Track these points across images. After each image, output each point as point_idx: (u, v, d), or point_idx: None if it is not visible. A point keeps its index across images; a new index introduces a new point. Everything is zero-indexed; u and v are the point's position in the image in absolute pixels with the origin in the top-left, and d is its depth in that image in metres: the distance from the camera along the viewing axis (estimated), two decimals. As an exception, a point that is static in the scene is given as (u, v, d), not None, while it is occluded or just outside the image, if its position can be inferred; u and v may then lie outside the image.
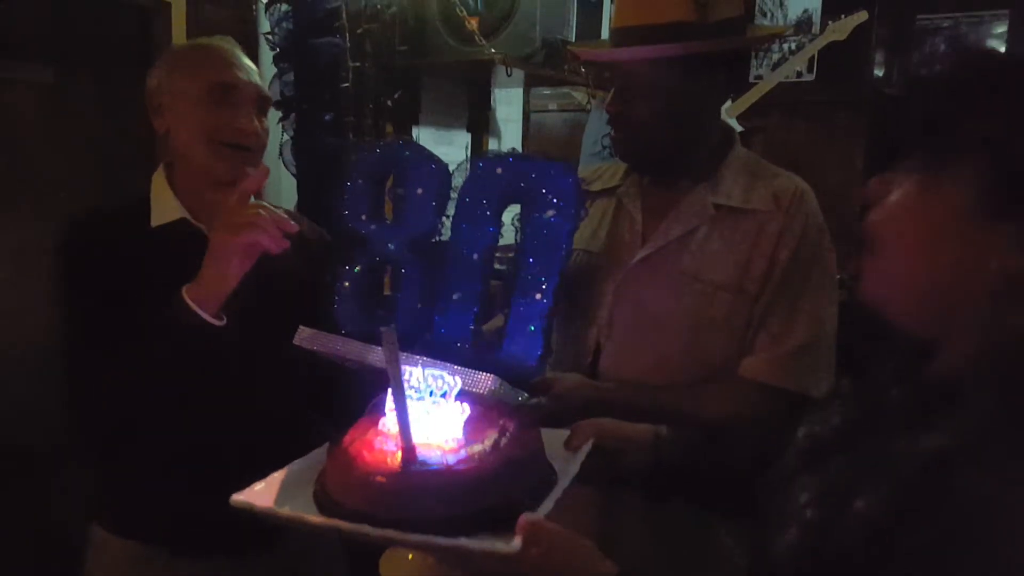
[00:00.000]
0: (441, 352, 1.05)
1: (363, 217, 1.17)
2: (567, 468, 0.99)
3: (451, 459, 0.89)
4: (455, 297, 1.11)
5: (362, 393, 1.29)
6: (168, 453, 1.34)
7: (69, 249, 1.37)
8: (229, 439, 1.34)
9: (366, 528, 0.84)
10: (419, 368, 0.97)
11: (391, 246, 1.15)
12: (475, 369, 0.99)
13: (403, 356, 1.03)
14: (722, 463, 1.11)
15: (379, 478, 0.87)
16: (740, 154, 1.44)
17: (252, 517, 0.91)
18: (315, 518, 0.89)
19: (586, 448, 1.06)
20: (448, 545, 0.82)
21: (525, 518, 0.82)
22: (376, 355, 1.04)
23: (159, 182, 1.42)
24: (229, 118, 1.35)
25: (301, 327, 1.11)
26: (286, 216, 1.20)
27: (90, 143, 2.56)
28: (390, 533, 0.83)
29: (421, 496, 0.86)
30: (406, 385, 0.92)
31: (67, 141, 2.52)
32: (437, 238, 1.16)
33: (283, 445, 1.39)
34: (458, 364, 1.00)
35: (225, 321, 1.23)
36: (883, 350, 0.91)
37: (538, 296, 1.05)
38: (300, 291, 1.42)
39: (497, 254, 1.16)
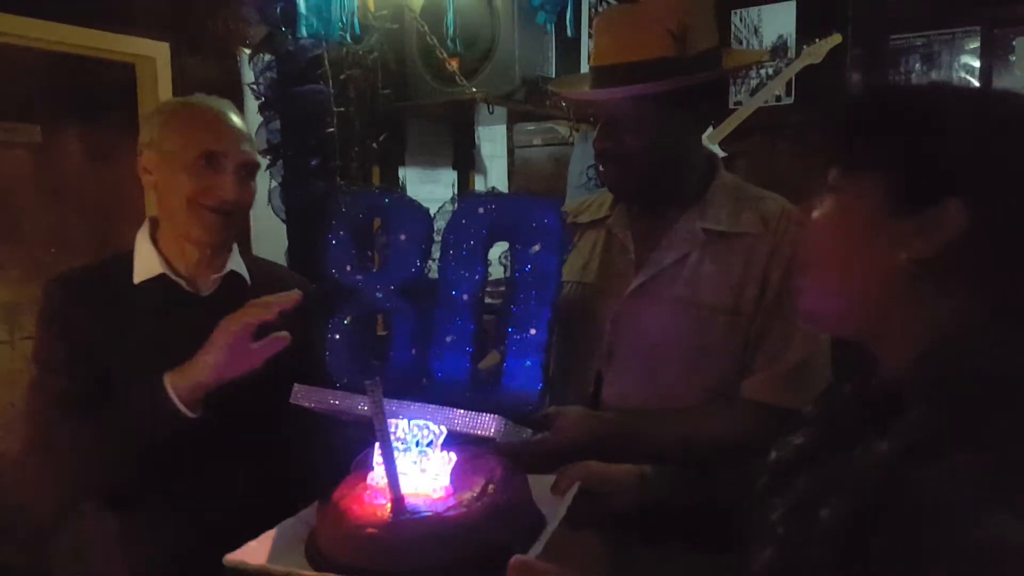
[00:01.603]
0: (440, 395, 1.05)
1: (349, 268, 1.18)
2: (555, 512, 0.99)
3: (440, 507, 0.90)
4: (448, 340, 1.11)
5: (345, 446, 1.32)
6: (150, 498, 1.33)
7: (51, 306, 1.38)
8: (209, 488, 1.35)
9: None
10: (404, 420, 0.98)
11: (379, 295, 1.16)
12: (476, 409, 1.00)
13: (402, 404, 1.05)
14: (709, 498, 1.11)
15: (369, 530, 0.87)
16: (725, 179, 1.46)
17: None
18: (308, 573, 0.88)
19: (572, 491, 1.06)
20: None
21: (516, 559, 0.82)
22: (361, 406, 1.05)
23: (142, 238, 1.44)
24: (214, 184, 1.37)
25: (296, 385, 1.12)
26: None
27: (80, 198, 2.58)
28: None
29: (411, 545, 0.86)
30: (392, 437, 0.93)
31: (57, 198, 2.54)
32: (425, 280, 1.17)
33: (268, 501, 1.42)
34: (458, 406, 1.01)
35: (200, 414, 1.25)
36: (841, 371, 0.97)
37: (532, 331, 1.06)
38: (286, 349, 1.43)
39: (488, 289, 1.17)
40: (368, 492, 0.95)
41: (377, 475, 0.95)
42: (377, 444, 0.94)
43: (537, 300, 1.08)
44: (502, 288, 1.16)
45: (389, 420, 0.94)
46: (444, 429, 0.98)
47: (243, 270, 1.48)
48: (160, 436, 1.25)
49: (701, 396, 1.37)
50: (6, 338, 2.45)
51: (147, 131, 1.43)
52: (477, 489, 0.93)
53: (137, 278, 1.41)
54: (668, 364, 1.37)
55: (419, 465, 0.94)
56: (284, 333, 1.22)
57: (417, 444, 0.95)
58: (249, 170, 1.43)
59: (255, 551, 0.93)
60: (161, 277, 1.41)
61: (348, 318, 1.16)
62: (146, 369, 1.33)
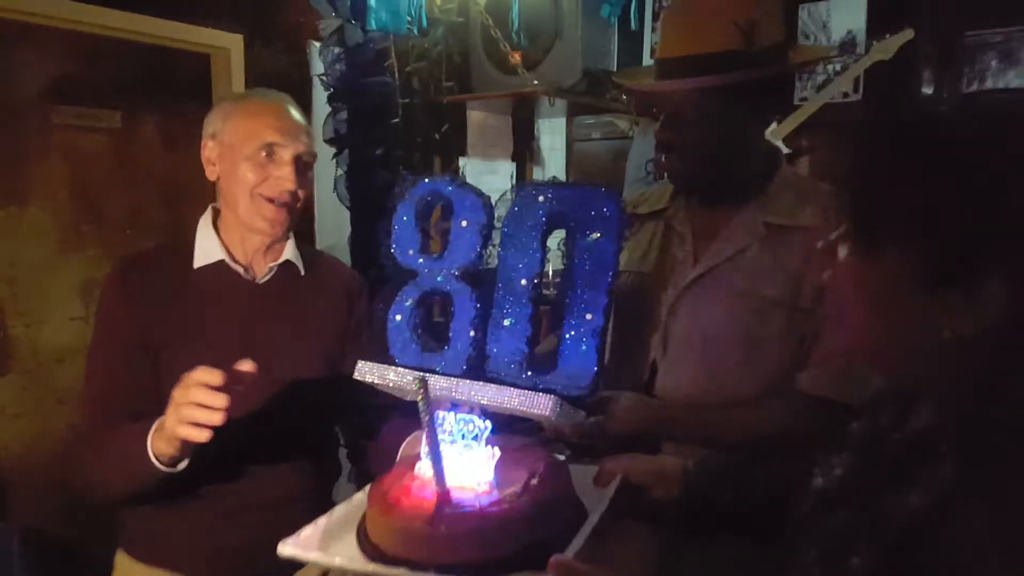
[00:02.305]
0: (497, 377, 1.07)
1: (411, 252, 1.20)
2: (597, 505, 1.00)
3: (484, 501, 0.91)
4: (507, 323, 1.12)
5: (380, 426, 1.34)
6: (190, 484, 1.35)
7: (113, 287, 1.45)
8: (249, 471, 1.41)
9: (403, 572, 0.87)
10: (452, 413, 1.01)
11: (439, 278, 1.17)
12: (532, 390, 1.01)
13: (460, 381, 1.07)
14: (751, 492, 1.11)
15: (416, 523, 0.89)
16: (787, 173, 1.45)
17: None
18: (360, 563, 0.91)
19: (614, 484, 1.07)
20: None
21: (555, 559, 0.83)
22: (429, 385, 1.06)
23: (204, 224, 1.51)
24: (273, 175, 1.43)
25: (360, 362, 1.14)
26: (219, 395, 1.14)
27: (155, 183, 2.69)
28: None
29: (456, 539, 0.88)
30: (439, 430, 0.95)
31: (134, 182, 2.66)
32: (483, 267, 1.18)
33: (301, 476, 1.48)
34: (514, 387, 1.03)
35: (186, 465, 1.25)
36: (882, 396, 0.93)
37: (588, 316, 1.06)
38: (328, 333, 1.51)
39: (545, 280, 1.19)
40: (416, 483, 0.97)
41: (424, 466, 0.98)
42: (424, 437, 0.96)
43: (594, 286, 1.09)
44: (558, 280, 1.17)
45: (437, 413, 0.96)
46: (489, 424, 0.99)
47: (298, 260, 1.54)
48: (154, 480, 1.26)
49: (756, 389, 1.36)
50: (82, 314, 2.57)
51: (210, 123, 1.49)
52: (520, 484, 0.94)
53: (197, 263, 1.47)
54: (724, 356, 1.37)
55: (464, 459, 0.96)
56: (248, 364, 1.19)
57: (463, 437, 0.97)
58: (307, 162, 1.48)
59: (308, 539, 0.96)
60: (220, 263, 1.47)
61: (410, 300, 1.18)
62: (197, 351, 1.37)
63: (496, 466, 0.98)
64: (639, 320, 1.45)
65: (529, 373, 1.07)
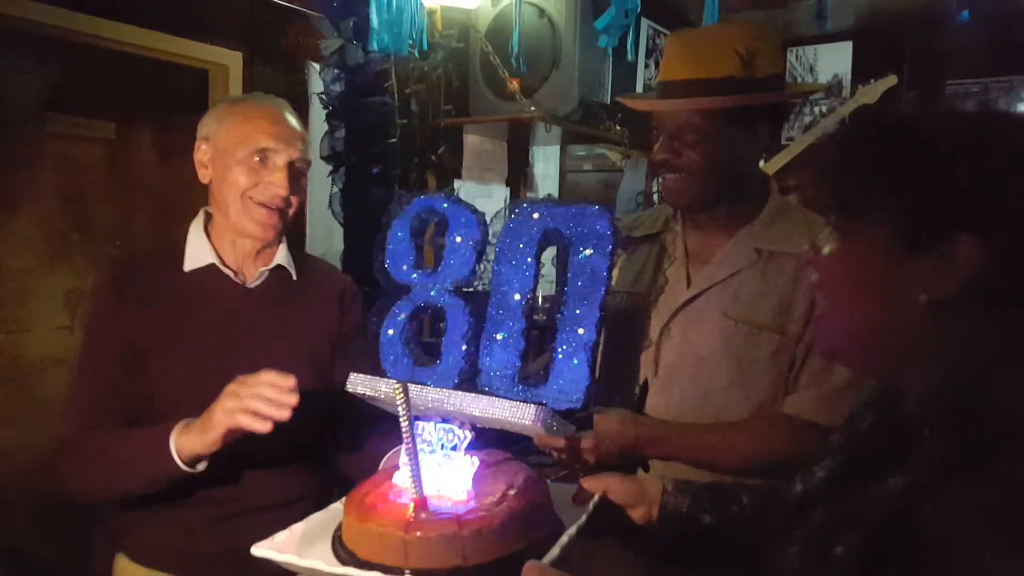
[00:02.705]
0: (489, 390, 1.08)
1: (405, 267, 1.21)
2: (575, 521, 1.01)
3: (461, 509, 0.92)
4: (499, 337, 1.13)
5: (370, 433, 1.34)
6: (186, 488, 1.35)
7: (101, 290, 1.45)
8: (245, 475, 1.40)
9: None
10: (431, 423, 1.01)
11: (433, 292, 1.19)
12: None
13: (450, 392, 1.08)
14: (731, 513, 1.11)
15: (391, 528, 0.90)
16: (778, 201, 1.49)
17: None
18: (329, 570, 0.91)
19: (593, 502, 1.08)
20: None
21: (530, 564, 0.84)
22: (417, 396, 1.08)
23: (195, 228, 1.50)
24: (265, 180, 1.42)
25: (352, 374, 1.15)
26: (291, 393, 1.20)
27: (148, 195, 2.69)
28: None
29: (431, 545, 0.88)
30: (419, 439, 0.96)
31: (126, 193, 2.65)
32: (478, 285, 1.20)
33: (296, 480, 1.46)
34: (507, 399, 1.04)
35: (205, 467, 1.28)
36: (863, 404, 0.95)
37: (580, 331, 1.07)
38: (319, 338, 1.51)
39: (535, 304, 1.20)
40: (393, 490, 0.98)
41: (402, 475, 0.98)
42: (403, 444, 0.96)
43: (586, 302, 1.10)
44: (547, 306, 1.18)
45: (416, 422, 0.96)
46: (469, 434, 1.00)
47: (290, 264, 1.53)
48: (164, 482, 1.29)
49: (746, 411, 1.39)
50: (67, 323, 2.55)
51: (204, 125, 1.49)
52: (498, 494, 0.95)
53: (187, 266, 1.46)
54: (714, 378, 1.40)
55: (443, 468, 0.97)
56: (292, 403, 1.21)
57: (442, 447, 0.98)
58: (300, 168, 1.48)
59: (283, 543, 0.97)
60: (210, 267, 1.46)
61: (403, 314, 1.19)
62: (185, 354, 1.40)
63: (475, 477, 0.99)
64: (632, 340, 1.47)
65: (520, 387, 1.08)
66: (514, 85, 2.61)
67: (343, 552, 0.95)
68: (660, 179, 1.47)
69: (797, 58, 3.81)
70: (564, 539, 0.94)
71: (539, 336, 1.21)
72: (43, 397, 2.43)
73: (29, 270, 2.44)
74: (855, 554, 0.72)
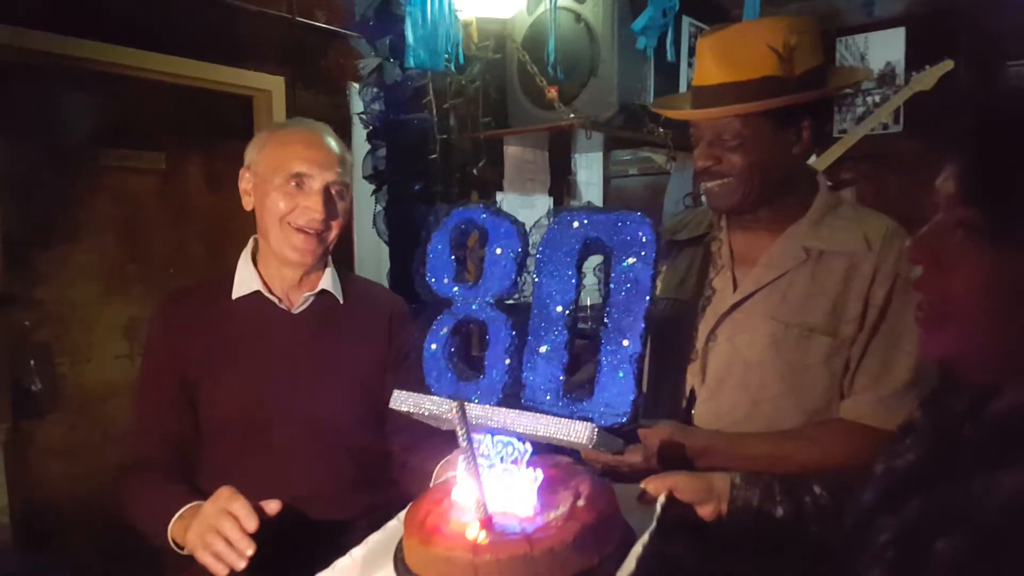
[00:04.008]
0: (533, 405, 1.06)
1: (446, 280, 1.19)
2: (644, 524, 0.98)
3: (529, 527, 0.89)
4: (542, 351, 1.11)
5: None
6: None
7: (159, 317, 1.50)
8: (310, 503, 1.39)
9: None
10: (489, 436, 0.99)
11: (474, 306, 1.17)
12: (568, 418, 1.00)
13: (495, 410, 1.06)
14: (801, 506, 1.08)
15: (458, 551, 0.87)
16: (828, 197, 1.43)
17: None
18: None
19: (660, 502, 1.05)
20: None
21: None
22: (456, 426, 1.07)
23: (244, 256, 1.53)
24: (302, 205, 1.44)
25: (396, 391, 1.14)
26: (247, 541, 1.16)
27: (199, 222, 2.75)
28: None
29: (503, 568, 0.86)
30: (478, 454, 0.93)
31: (178, 221, 2.71)
32: (519, 297, 1.18)
33: (357, 504, 1.45)
34: (551, 415, 1.02)
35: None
36: (954, 382, 0.90)
37: (625, 343, 1.04)
38: (368, 362, 1.50)
39: (581, 314, 1.18)
40: (454, 508, 0.95)
41: (462, 490, 0.96)
42: (462, 462, 0.94)
43: (631, 312, 1.06)
44: (592, 313, 1.16)
45: (475, 437, 0.94)
46: (529, 446, 0.98)
47: (337, 289, 1.54)
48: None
49: (798, 419, 1.34)
50: (126, 352, 2.61)
51: (248, 154, 1.52)
52: (565, 507, 0.92)
53: (235, 294, 1.49)
54: (764, 385, 1.35)
55: (505, 483, 0.94)
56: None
57: (502, 460, 0.95)
58: (338, 191, 1.49)
59: (345, 570, 0.95)
60: (255, 294, 1.49)
61: (445, 329, 1.17)
62: (232, 381, 1.43)
63: (539, 489, 0.96)
64: (678, 348, 1.43)
65: (566, 401, 1.06)
66: (552, 93, 2.59)
67: (408, 574, 0.93)
68: (703, 185, 1.43)
69: (847, 47, 3.71)
70: (638, 549, 0.91)
71: (588, 345, 1.17)
72: (107, 424, 2.49)
73: (89, 301, 2.52)
74: (960, 550, 0.68)
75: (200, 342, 1.45)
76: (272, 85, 2.72)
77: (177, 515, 1.28)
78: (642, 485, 1.10)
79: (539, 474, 0.96)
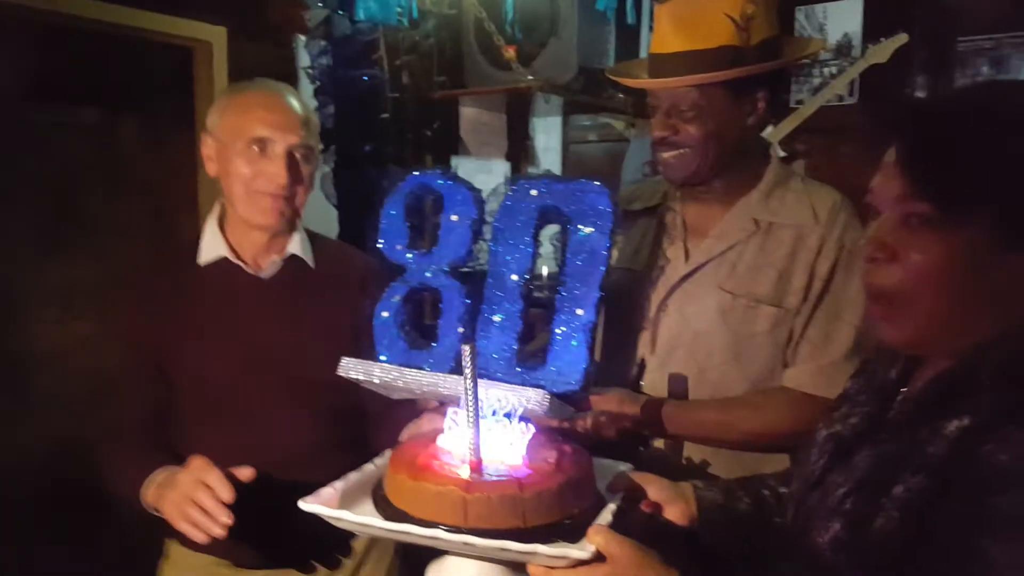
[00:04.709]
0: (486, 373, 1.05)
1: (399, 247, 1.18)
2: (614, 497, 1.01)
3: (520, 472, 0.92)
4: (496, 320, 1.10)
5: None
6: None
7: (126, 291, 1.51)
8: (288, 465, 1.38)
9: (440, 533, 0.86)
10: (488, 389, 1.00)
11: (428, 274, 1.16)
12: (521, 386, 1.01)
13: (446, 377, 1.06)
14: (762, 497, 1.11)
15: (450, 486, 0.89)
16: (778, 170, 1.46)
17: (311, 533, 0.94)
18: (388, 524, 0.91)
19: (628, 482, 1.07)
20: (524, 551, 0.85)
21: (597, 527, 0.88)
22: (412, 380, 1.07)
23: (211, 221, 1.52)
24: (266, 169, 1.42)
25: (344, 358, 1.14)
26: (224, 511, 1.19)
27: (135, 181, 2.62)
28: (467, 538, 0.86)
29: (492, 505, 0.88)
30: (466, 399, 0.93)
31: (113, 180, 2.58)
32: (474, 265, 1.17)
33: (335, 468, 1.44)
34: (504, 383, 1.02)
35: None
36: (885, 352, 0.97)
37: (579, 312, 1.05)
38: (341, 327, 1.48)
39: (537, 283, 1.16)
40: (441, 452, 0.97)
41: (450, 439, 0.97)
42: (459, 407, 0.96)
43: (586, 281, 1.07)
44: (550, 283, 1.15)
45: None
46: (536, 397, 0.99)
47: (307, 253, 1.53)
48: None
49: (743, 387, 1.38)
50: (57, 318, 2.49)
51: (209, 119, 1.50)
52: (552, 460, 0.95)
53: (201, 260, 1.48)
54: (711, 354, 1.39)
55: (497, 433, 0.96)
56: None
57: (494, 413, 0.97)
58: (303, 155, 1.46)
59: (328, 498, 0.96)
60: (223, 260, 1.48)
61: (397, 296, 1.15)
62: (201, 348, 1.44)
63: (528, 444, 0.98)
64: (629, 317, 1.45)
65: (519, 369, 1.07)
66: (510, 53, 2.52)
67: (390, 510, 0.93)
68: (658, 155, 1.43)
69: (806, 17, 3.69)
70: (612, 506, 0.96)
71: (542, 315, 1.17)
72: (41, 392, 2.37)
73: (21, 263, 2.38)
74: (916, 492, 0.75)
75: (168, 309, 1.46)
76: (213, 36, 2.57)
77: (149, 479, 1.30)
78: (615, 476, 1.09)
79: (531, 428, 0.97)
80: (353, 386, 1.47)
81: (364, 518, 0.92)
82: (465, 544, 0.86)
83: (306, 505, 0.94)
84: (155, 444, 1.42)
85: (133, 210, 2.62)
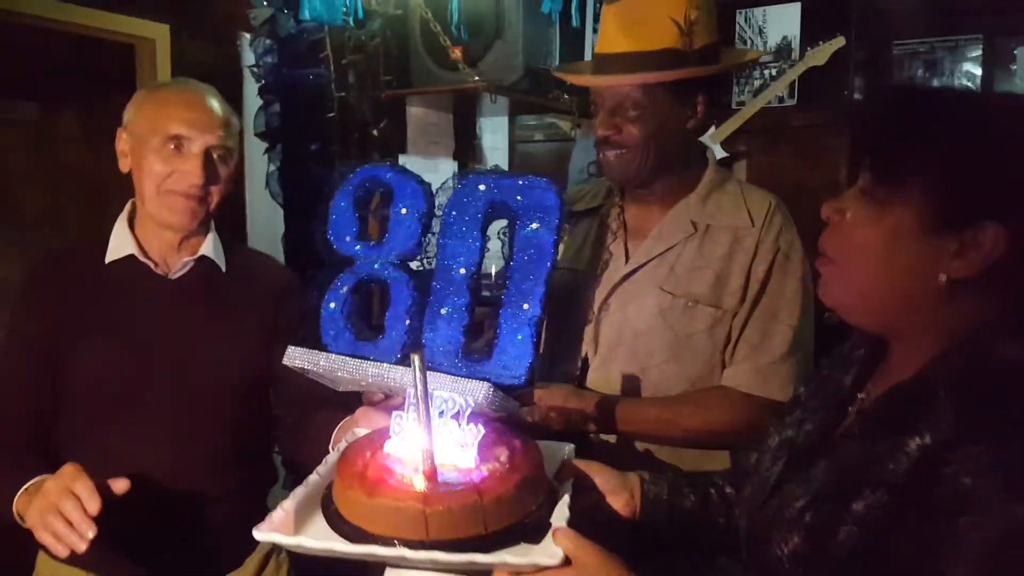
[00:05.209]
0: (432, 366, 1.06)
1: (347, 239, 1.17)
2: (563, 486, 1.02)
3: (476, 477, 0.91)
4: (443, 312, 1.10)
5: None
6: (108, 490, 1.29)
7: (24, 285, 1.43)
8: (179, 476, 1.36)
9: (405, 552, 0.84)
10: (435, 391, 0.98)
11: (376, 266, 1.15)
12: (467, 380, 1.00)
13: (391, 368, 1.06)
14: (707, 496, 1.12)
15: (409, 501, 0.87)
16: (715, 173, 1.49)
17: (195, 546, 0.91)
18: (352, 547, 0.88)
19: (575, 469, 1.08)
20: (492, 562, 0.84)
21: (563, 530, 0.87)
22: (359, 370, 1.07)
23: (121, 219, 1.46)
24: (181, 169, 1.37)
25: (290, 347, 1.12)
26: (88, 524, 1.10)
27: (75, 178, 2.56)
28: (433, 555, 0.84)
29: (453, 516, 0.87)
30: (418, 406, 0.91)
31: (51, 176, 2.52)
32: (423, 258, 1.17)
33: (232, 478, 1.43)
34: (450, 375, 1.02)
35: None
36: (839, 358, 0.98)
37: (525, 306, 1.05)
38: (250, 333, 1.46)
39: (484, 282, 1.17)
40: (389, 460, 0.94)
41: (398, 444, 0.95)
42: (408, 413, 0.94)
43: (532, 276, 1.08)
44: (498, 282, 1.17)
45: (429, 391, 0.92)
46: (472, 400, 0.98)
47: (218, 256, 1.48)
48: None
49: (683, 385, 1.41)
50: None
51: (126, 113, 1.45)
52: (505, 460, 0.94)
53: (108, 258, 1.42)
54: (651, 353, 1.41)
55: (447, 436, 0.94)
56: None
57: (441, 415, 0.95)
58: (220, 156, 1.42)
59: (281, 522, 0.92)
60: (130, 258, 1.42)
61: (345, 287, 1.15)
62: (103, 347, 1.38)
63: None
64: (572, 316, 1.47)
65: (464, 362, 1.07)
66: (456, 54, 2.53)
67: (347, 528, 0.90)
68: (601, 155, 1.46)
69: (746, 20, 3.77)
70: (567, 498, 0.96)
71: (488, 313, 1.17)
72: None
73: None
74: (876, 509, 0.75)
75: (68, 308, 1.39)
76: (155, 33, 2.53)
77: (23, 489, 1.21)
78: (563, 464, 1.09)
79: (481, 429, 0.96)
80: (260, 395, 1.47)
81: (325, 543, 0.88)
82: (432, 561, 0.85)
83: (261, 534, 0.90)
84: (39, 450, 1.34)
85: (72, 208, 2.56)
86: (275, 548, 1.49)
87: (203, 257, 1.45)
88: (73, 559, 1.32)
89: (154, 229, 1.44)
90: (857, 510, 0.76)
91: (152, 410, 1.38)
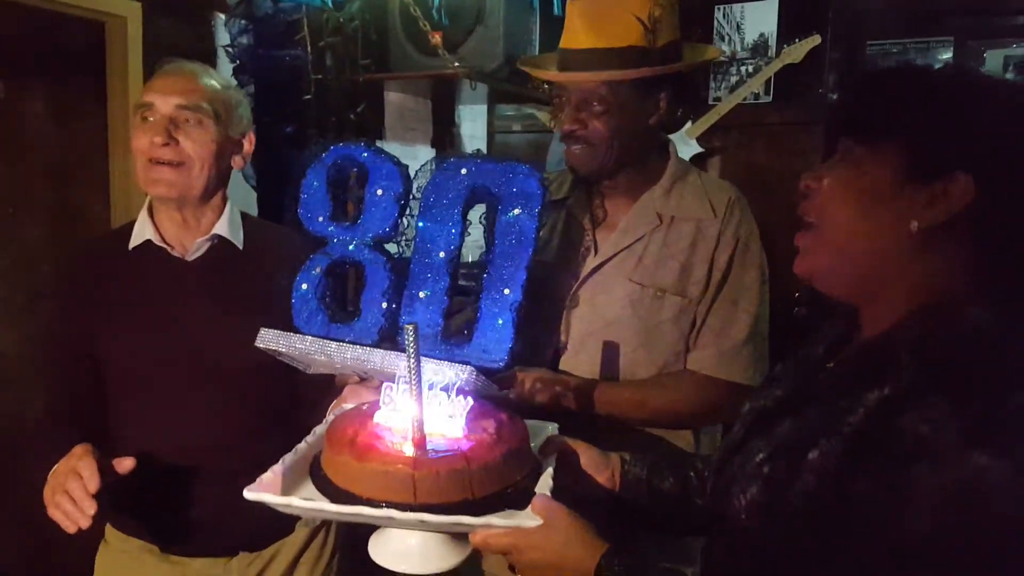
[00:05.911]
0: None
1: (321, 219, 1.17)
2: (547, 460, 1.05)
3: (464, 445, 0.93)
4: (422, 295, 1.10)
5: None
6: (155, 466, 1.36)
7: (58, 278, 1.56)
8: (219, 447, 1.41)
9: (393, 513, 0.86)
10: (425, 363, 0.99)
11: (351, 247, 1.15)
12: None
13: (372, 351, 1.06)
14: (686, 479, 1.14)
15: (398, 465, 0.89)
16: (676, 166, 1.53)
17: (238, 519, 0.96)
18: (339, 507, 0.90)
19: (559, 444, 1.10)
20: (478, 524, 0.88)
21: (542, 498, 0.91)
22: (333, 352, 1.07)
23: (145, 206, 1.49)
24: (146, 133, 1.39)
25: (262, 329, 1.12)
26: (89, 501, 1.18)
27: (41, 158, 2.49)
28: (422, 516, 0.86)
29: (441, 481, 0.89)
30: (410, 378, 0.93)
31: (20, 156, 2.46)
32: (399, 241, 1.17)
33: (267, 449, 1.42)
34: (430, 359, 1.02)
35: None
36: (815, 334, 1.02)
37: (506, 291, 1.06)
38: (269, 312, 1.46)
39: (463, 270, 1.16)
40: (379, 428, 0.96)
41: (388, 415, 0.97)
42: (398, 385, 0.96)
43: (513, 261, 1.09)
44: (475, 271, 1.16)
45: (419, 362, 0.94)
46: (463, 374, 1.01)
47: (234, 234, 1.49)
48: None
49: (651, 371, 1.46)
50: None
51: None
52: (492, 431, 0.97)
53: (131, 244, 1.46)
54: (621, 340, 1.45)
55: (439, 406, 0.97)
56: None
57: (431, 387, 0.97)
58: (190, 119, 1.40)
59: (270, 484, 0.95)
60: (147, 243, 1.45)
61: (318, 268, 1.15)
62: (127, 332, 1.43)
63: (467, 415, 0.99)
64: (542, 307, 1.49)
65: (444, 345, 1.08)
66: (436, 39, 2.51)
67: (335, 491, 0.92)
68: (566, 149, 1.49)
69: (724, 16, 3.79)
70: (551, 470, 0.99)
71: (471, 301, 1.18)
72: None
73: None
74: (830, 457, 0.78)
75: (98, 294, 1.44)
76: (127, 11, 2.47)
77: (53, 471, 1.28)
78: (548, 438, 1.11)
79: (470, 401, 0.98)
80: (285, 374, 1.46)
81: (313, 503, 0.91)
82: (421, 522, 0.87)
83: (251, 494, 0.92)
84: (82, 429, 1.37)
85: (38, 187, 2.50)
86: (324, 522, 1.55)
87: (218, 236, 1.47)
88: (134, 531, 1.47)
89: (165, 212, 1.46)
90: (812, 459, 0.79)
91: (178, 391, 1.42)
